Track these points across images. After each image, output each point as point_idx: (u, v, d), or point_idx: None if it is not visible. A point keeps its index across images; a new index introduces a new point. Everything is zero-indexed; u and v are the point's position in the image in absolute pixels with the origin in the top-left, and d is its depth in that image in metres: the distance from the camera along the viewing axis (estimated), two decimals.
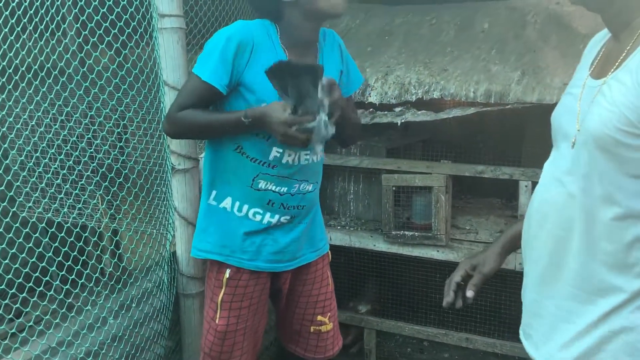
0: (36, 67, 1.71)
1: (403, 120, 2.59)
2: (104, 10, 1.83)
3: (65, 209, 1.89)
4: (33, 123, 1.80)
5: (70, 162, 1.89)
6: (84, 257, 1.78)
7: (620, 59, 1.19)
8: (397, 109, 2.67)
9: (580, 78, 1.31)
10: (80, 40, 1.92)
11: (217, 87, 1.68)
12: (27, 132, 1.82)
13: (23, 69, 1.68)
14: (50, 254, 1.70)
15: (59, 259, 1.70)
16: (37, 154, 1.85)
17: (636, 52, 1.15)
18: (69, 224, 1.81)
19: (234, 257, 1.84)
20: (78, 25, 1.89)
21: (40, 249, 1.71)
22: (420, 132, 3.21)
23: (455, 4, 3.00)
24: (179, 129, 1.78)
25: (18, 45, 1.67)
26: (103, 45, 1.83)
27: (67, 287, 1.74)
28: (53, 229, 1.74)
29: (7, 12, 1.63)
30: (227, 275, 1.85)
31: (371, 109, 2.72)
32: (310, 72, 1.58)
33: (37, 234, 1.67)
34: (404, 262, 3.02)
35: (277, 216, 1.83)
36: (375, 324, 3.00)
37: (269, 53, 1.71)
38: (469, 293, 1.50)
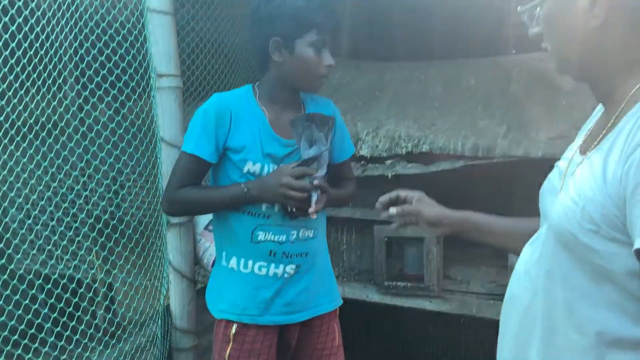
0: (37, 127, 1.76)
1: (394, 173, 2.65)
2: (104, 72, 1.91)
3: (62, 265, 1.92)
4: (32, 182, 1.84)
5: (68, 219, 1.93)
6: (79, 313, 1.79)
7: (600, 136, 1.00)
8: (388, 162, 2.73)
9: (571, 149, 1.13)
10: (80, 101, 1.98)
11: (203, 157, 1.78)
12: (26, 191, 1.87)
13: (24, 128, 1.73)
14: (45, 310, 1.72)
15: (54, 315, 1.72)
16: (35, 212, 1.89)
17: (612, 133, 0.96)
18: (65, 280, 1.84)
19: (245, 314, 1.86)
20: (79, 86, 1.96)
21: (36, 306, 1.72)
22: (411, 183, 3.27)
23: (443, 61, 3.11)
24: (179, 207, 1.89)
25: (15, 100, 1.73)
26: (102, 106, 1.90)
27: (61, 343, 1.75)
28: (49, 286, 1.76)
29: (5, 69, 1.69)
30: (233, 330, 1.86)
31: (363, 162, 2.78)
32: (321, 122, 1.74)
33: (33, 291, 1.69)
34: (397, 312, 3.02)
35: (281, 266, 1.84)
36: None
37: (248, 115, 1.81)
38: (392, 210, 1.44)
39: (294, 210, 1.77)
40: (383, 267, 2.74)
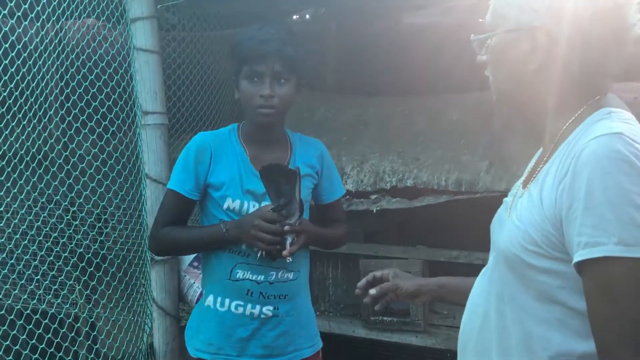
0: (22, 165, 1.77)
1: (378, 208, 2.67)
2: (90, 110, 1.92)
3: (44, 305, 1.90)
4: (16, 221, 1.83)
5: (51, 258, 1.91)
6: (60, 354, 1.77)
7: (538, 170, 1.11)
8: (373, 197, 2.75)
9: (516, 186, 1.24)
10: (65, 140, 1.99)
11: (183, 193, 1.81)
12: (9, 230, 1.86)
13: (2, 162, 1.73)
14: (27, 351, 1.69)
15: (35, 357, 1.70)
16: (18, 251, 1.87)
17: (546, 165, 1.08)
18: (47, 320, 1.81)
19: (220, 354, 1.84)
20: (64, 125, 1.97)
21: (17, 347, 1.70)
22: (396, 217, 3.29)
23: (426, 96, 3.16)
24: (164, 246, 1.91)
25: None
26: (87, 144, 1.91)
27: None
28: (31, 326, 1.74)
29: None
30: None
31: (348, 196, 2.79)
32: (286, 174, 1.72)
33: (14, 332, 1.67)
34: (383, 348, 3.00)
35: (258, 307, 1.82)
36: None
37: (228, 154, 1.84)
38: (372, 291, 1.48)
39: (263, 254, 1.77)
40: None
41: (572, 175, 0.97)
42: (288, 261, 1.77)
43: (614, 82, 1.13)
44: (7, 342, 1.67)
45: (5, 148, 1.76)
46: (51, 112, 1.90)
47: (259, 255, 1.79)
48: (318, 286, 3.08)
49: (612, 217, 0.92)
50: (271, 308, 1.83)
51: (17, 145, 1.79)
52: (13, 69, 1.69)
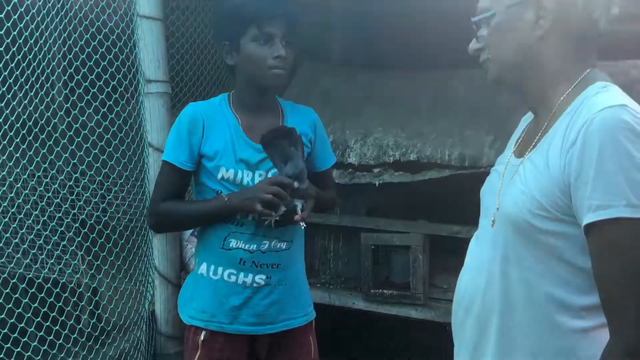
0: (24, 130, 1.77)
1: (381, 182, 2.66)
2: (92, 77, 1.91)
3: (47, 270, 1.91)
4: (18, 186, 1.84)
5: (53, 223, 1.92)
6: (62, 318, 1.79)
7: (536, 139, 1.19)
8: (376, 170, 2.75)
9: (506, 156, 1.32)
10: (68, 105, 1.99)
11: (177, 165, 1.79)
12: (12, 195, 1.86)
13: (11, 132, 1.73)
14: (29, 314, 1.71)
15: (37, 319, 1.72)
16: (21, 216, 1.88)
17: (548, 135, 1.15)
18: (49, 284, 1.83)
19: (212, 321, 1.84)
20: (67, 91, 1.97)
21: (19, 310, 1.72)
22: (399, 191, 3.29)
23: (433, 71, 3.13)
24: (163, 221, 1.89)
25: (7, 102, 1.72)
26: (90, 110, 1.90)
27: (44, 347, 1.75)
28: (33, 289, 1.76)
29: None
30: (202, 337, 1.83)
31: (350, 170, 2.79)
32: (288, 135, 1.72)
33: (17, 295, 1.69)
34: (383, 320, 3.03)
35: (250, 275, 1.82)
36: None
37: (221, 122, 1.82)
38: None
39: (272, 223, 1.75)
40: (369, 275, 2.75)
41: (582, 144, 1.04)
42: (302, 227, 1.76)
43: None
44: (10, 305, 1.69)
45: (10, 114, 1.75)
46: (53, 77, 1.89)
47: (265, 223, 1.76)
48: (319, 259, 3.10)
49: (622, 182, 1.01)
50: (263, 277, 1.83)
51: (30, 109, 1.79)
52: (15, 33, 1.68)
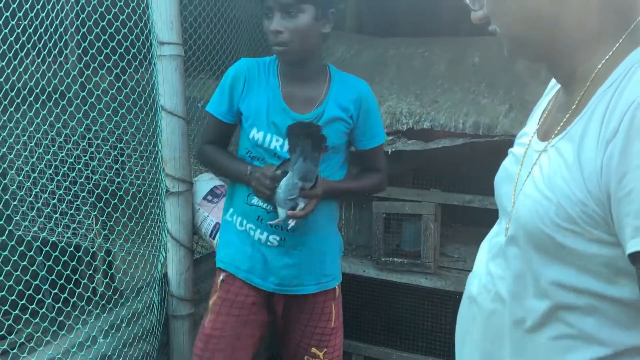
0: (38, 90, 1.76)
1: (394, 149, 2.65)
2: (105, 37, 1.90)
3: (60, 229, 1.93)
4: (32, 144, 1.85)
5: (67, 183, 1.93)
6: (76, 276, 1.81)
7: (565, 119, 0.90)
8: (389, 138, 2.73)
9: (527, 133, 1.03)
10: (81, 65, 1.98)
11: (216, 115, 1.89)
12: (26, 153, 1.87)
13: (25, 91, 1.73)
14: (43, 272, 1.74)
15: (52, 277, 1.74)
16: (35, 175, 1.89)
17: (581, 116, 0.85)
18: (63, 243, 1.85)
19: (231, 265, 1.93)
20: (80, 51, 1.96)
21: (34, 267, 1.74)
22: (411, 160, 3.28)
23: (448, 38, 3.09)
24: (202, 160, 2.07)
25: (19, 65, 1.72)
26: (103, 71, 1.89)
27: (59, 305, 1.77)
28: (47, 248, 1.77)
29: (6, 30, 1.69)
30: (221, 277, 1.93)
31: None
32: (313, 135, 1.71)
33: (31, 253, 1.71)
34: (393, 288, 3.05)
35: (265, 234, 1.87)
36: (363, 350, 3.01)
37: (262, 84, 1.84)
38: None
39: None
40: (380, 243, 2.76)
41: (626, 137, 0.74)
42: (289, 225, 1.78)
43: None
44: (24, 262, 1.71)
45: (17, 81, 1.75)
46: (67, 36, 1.88)
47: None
48: None
49: None
50: (277, 238, 1.87)
51: (44, 68, 1.78)
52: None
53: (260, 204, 1.87)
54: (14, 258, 1.70)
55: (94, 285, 2.03)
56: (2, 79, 1.67)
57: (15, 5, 1.66)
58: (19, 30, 1.71)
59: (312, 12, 1.72)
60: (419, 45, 3.12)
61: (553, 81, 1.08)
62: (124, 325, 2.03)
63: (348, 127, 1.87)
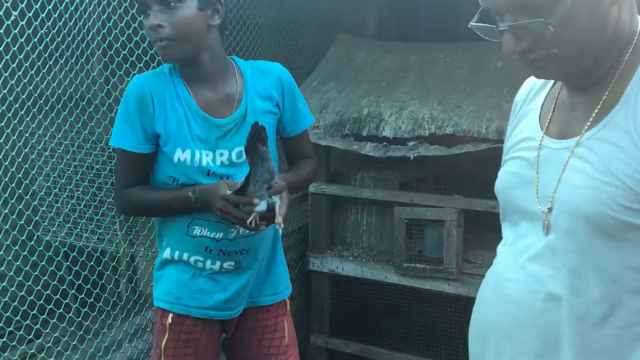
0: (65, 97, 1.80)
1: (416, 155, 2.64)
2: (131, 45, 1.93)
3: (87, 234, 1.96)
4: (60, 151, 1.88)
5: (93, 189, 1.96)
6: (102, 281, 1.84)
7: (595, 113, 0.95)
8: (411, 143, 2.72)
9: (530, 138, 1.05)
10: (107, 73, 2.01)
11: (128, 149, 1.58)
12: (53, 160, 1.90)
13: (53, 99, 1.77)
14: (70, 277, 1.76)
15: (78, 282, 1.76)
16: (62, 181, 1.93)
17: (621, 105, 0.92)
18: (89, 249, 1.87)
19: (179, 304, 1.69)
20: (106, 59, 1.99)
21: (61, 272, 1.77)
22: (433, 166, 3.26)
23: (469, 43, 3.08)
24: (130, 209, 1.73)
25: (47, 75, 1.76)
26: (129, 78, 1.92)
27: (85, 310, 1.80)
28: (74, 253, 1.80)
29: (35, 39, 1.72)
30: (169, 320, 1.68)
31: (385, 143, 2.77)
32: (257, 135, 1.42)
33: (59, 258, 1.73)
34: (415, 294, 3.03)
35: (218, 262, 1.66)
36: (385, 356, 3.00)
37: (172, 97, 1.59)
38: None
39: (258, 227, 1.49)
40: (402, 249, 2.75)
41: None
42: (280, 231, 1.52)
43: None
44: (52, 268, 1.74)
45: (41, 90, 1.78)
46: (93, 45, 1.92)
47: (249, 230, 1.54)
48: (352, 232, 3.10)
49: None
50: (232, 263, 1.67)
51: (71, 76, 1.82)
52: (49, 7, 1.69)
53: (205, 234, 1.63)
54: (42, 263, 1.72)
55: (119, 290, 2.05)
56: (31, 87, 1.71)
57: (44, 15, 1.70)
58: (47, 40, 1.74)
59: (194, 2, 1.50)
60: (440, 50, 3.11)
61: (526, 90, 1.15)
62: (148, 330, 2.05)
63: (276, 118, 1.70)
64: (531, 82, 1.16)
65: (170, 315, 1.68)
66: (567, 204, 0.94)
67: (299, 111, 1.73)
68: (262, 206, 1.45)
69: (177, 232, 1.64)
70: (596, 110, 0.94)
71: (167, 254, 1.68)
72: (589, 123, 0.94)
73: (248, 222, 1.46)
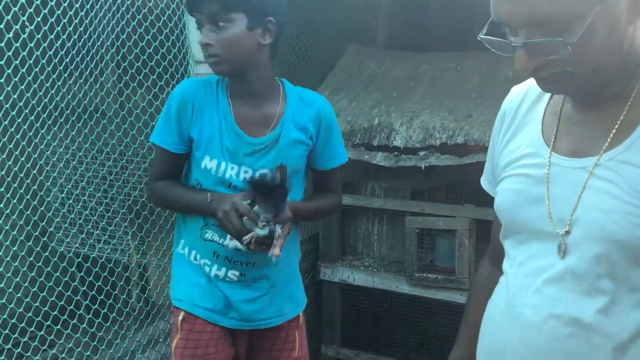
0: (80, 109, 1.82)
1: (427, 164, 2.64)
2: (144, 57, 1.95)
3: (100, 244, 1.97)
4: (74, 162, 1.89)
5: (107, 200, 1.98)
6: (115, 292, 1.85)
7: (614, 132, 0.93)
8: (422, 153, 2.72)
9: (534, 154, 1.02)
10: (121, 85, 2.03)
11: (164, 147, 1.66)
12: (68, 171, 1.92)
13: (68, 111, 1.78)
14: (84, 287, 1.77)
15: (92, 293, 1.77)
16: (77, 192, 1.94)
17: None
18: (102, 259, 1.89)
19: (191, 303, 1.73)
20: (119, 71, 2.01)
21: (75, 283, 1.78)
22: (444, 175, 3.26)
23: (480, 52, 3.08)
24: (156, 200, 1.83)
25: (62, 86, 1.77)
26: (142, 90, 1.94)
27: (98, 320, 1.81)
28: (88, 264, 1.81)
29: (50, 52, 1.74)
30: (181, 317, 1.72)
31: (396, 153, 2.77)
32: (273, 191, 1.51)
33: (72, 269, 1.74)
34: (427, 304, 3.02)
35: (223, 269, 1.70)
36: None
37: (212, 106, 1.65)
38: None
39: (249, 244, 1.53)
40: (414, 259, 2.74)
41: None
42: (274, 261, 1.54)
43: None
44: (66, 278, 1.75)
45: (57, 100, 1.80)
46: (107, 57, 1.94)
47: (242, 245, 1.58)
48: (363, 241, 3.10)
49: None
50: (237, 273, 1.70)
51: (85, 88, 1.84)
52: (65, 20, 1.72)
53: (215, 239, 1.68)
54: (56, 274, 1.74)
55: (132, 300, 2.06)
56: (46, 100, 1.73)
57: (59, 28, 1.72)
58: (62, 53, 1.76)
59: (243, 22, 1.55)
60: (451, 59, 3.11)
61: (516, 101, 1.11)
62: (160, 340, 2.05)
63: (307, 150, 1.72)
64: (522, 91, 1.11)
65: (182, 313, 1.73)
66: (599, 229, 0.91)
67: (332, 147, 1.76)
68: (264, 231, 1.49)
69: (193, 232, 1.71)
70: (614, 130, 0.92)
71: (184, 250, 1.74)
72: (607, 143, 0.92)
73: (244, 238, 1.50)
